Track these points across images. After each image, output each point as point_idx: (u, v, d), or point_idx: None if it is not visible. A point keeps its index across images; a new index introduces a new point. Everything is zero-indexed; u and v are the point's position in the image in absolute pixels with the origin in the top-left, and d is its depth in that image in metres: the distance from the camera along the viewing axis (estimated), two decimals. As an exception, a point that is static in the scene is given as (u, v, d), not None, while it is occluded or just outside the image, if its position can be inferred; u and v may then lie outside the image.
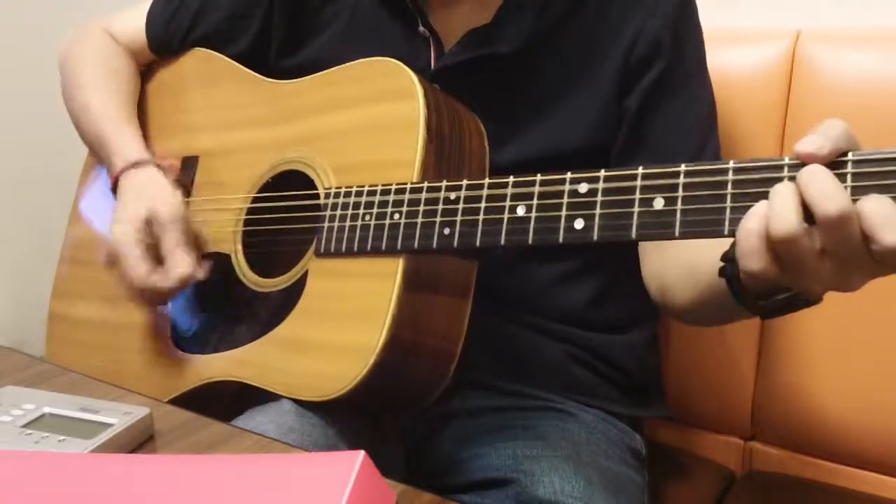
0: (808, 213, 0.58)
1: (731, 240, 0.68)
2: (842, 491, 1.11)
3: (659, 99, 0.94)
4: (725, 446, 1.22)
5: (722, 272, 0.70)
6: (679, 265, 0.87)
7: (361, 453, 0.55)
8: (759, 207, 0.60)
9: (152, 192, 0.98)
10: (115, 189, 1.03)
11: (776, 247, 0.58)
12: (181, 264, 0.92)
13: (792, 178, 0.59)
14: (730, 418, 1.20)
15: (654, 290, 0.94)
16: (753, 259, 0.60)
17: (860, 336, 1.09)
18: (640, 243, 0.96)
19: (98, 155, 1.11)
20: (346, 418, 0.87)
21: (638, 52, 0.93)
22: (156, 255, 0.94)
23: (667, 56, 0.93)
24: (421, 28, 0.96)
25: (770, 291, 0.67)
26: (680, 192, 0.65)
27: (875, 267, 0.58)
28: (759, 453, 1.19)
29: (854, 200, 0.56)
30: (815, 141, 0.58)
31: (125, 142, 1.05)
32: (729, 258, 0.69)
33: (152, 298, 0.95)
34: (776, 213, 0.58)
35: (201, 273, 0.93)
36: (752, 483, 1.17)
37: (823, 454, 1.14)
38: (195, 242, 0.98)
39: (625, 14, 0.93)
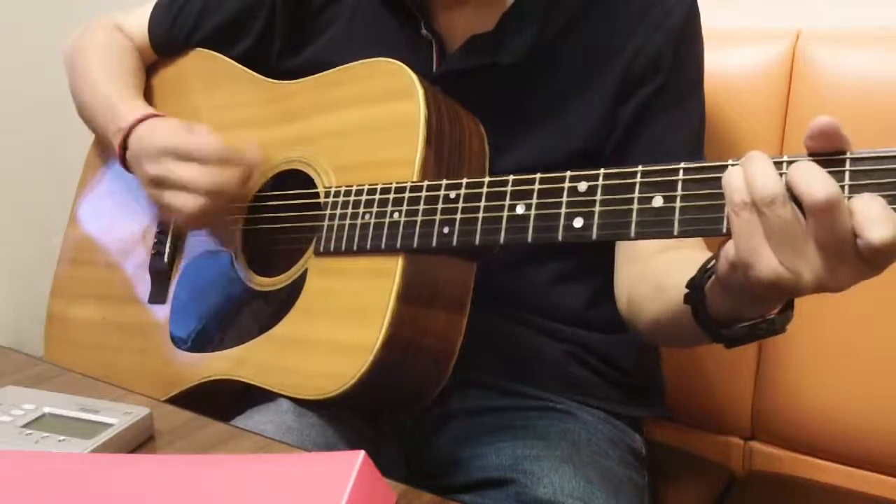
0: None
1: (698, 265, 0.70)
2: (841, 491, 1.11)
3: (651, 113, 0.94)
4: (725, 446, 1.22)
5: (687, 299, 0.70)
6: (648, 283, 0.87)
7: (361, 453, 0.55)
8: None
9: (171, 123, 0.98)
10: (124, 146, 1.00)
11: (762, 209, 0.58)
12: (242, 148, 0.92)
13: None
14: (730, 418, 1.20)
15: (623, 305, 0.94)
16: (744, 229, 0.59)
17: (860, 336, 1.09)
18: (615, 258, 0.96)
19: (106, 131, 1.07)
20: (346, 418, 0.87)
21: (639, 66, 0.93)
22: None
23: (666, 72, 0.93)
24: (423, 31, 0.96)
25: (733, 320, 0.67)
26: (679, 191, 0.65)
27: (862, 265, 0.58)
28: (759, 453, 1.19)
29: (849, 198, 0.57)
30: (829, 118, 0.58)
31: (134, 103, 1.05)
32: (695, 285, 0.70)
33: (218, 203, 0.93)
34: (752, 174, 0.58)
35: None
36: (752, 483, 1.17)
37: (823, 454, 1.14)
38: (195, 244, 0.98)
39: (629, 27, 0.93)
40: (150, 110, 1.02)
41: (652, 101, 0.94)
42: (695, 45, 0.97)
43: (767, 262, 0.59)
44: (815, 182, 0.56)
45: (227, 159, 0.92)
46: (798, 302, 0.66)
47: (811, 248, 0.57)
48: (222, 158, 0.91)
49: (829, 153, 0.59)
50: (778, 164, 0.60)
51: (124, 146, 1.00)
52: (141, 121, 1.00)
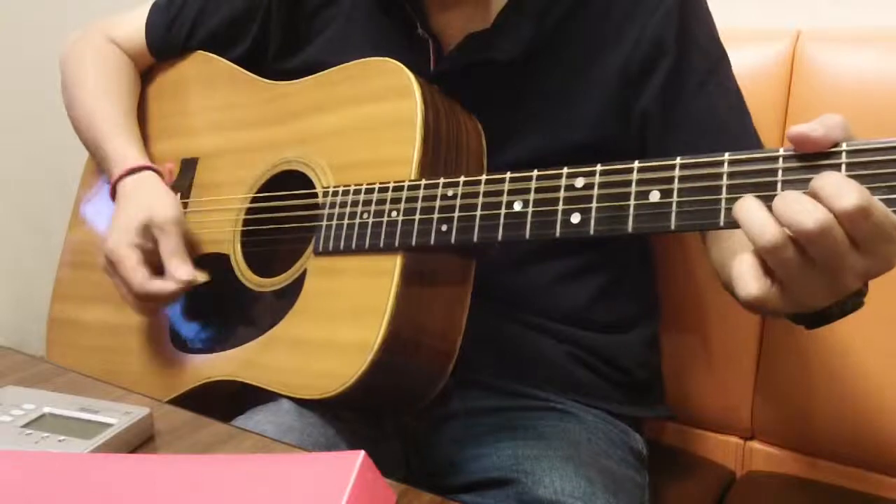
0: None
1: None
2: (842, 491, 1.11)
3: (679, 95, 0.92)
4: (725, 446, 1.21)
5: None
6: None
7: (361, 453, 0.55)
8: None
9: (149, 197, 0.98)
10: (113, 195, 1.03)
11: (767, 258, 0.58)
12: (180, 270, 0.93)
13: (786, 171, 0.60)
14: (730, 418, 1.20)
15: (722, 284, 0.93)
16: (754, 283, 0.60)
17: (860, 336, 1.09)
18: (705, 238, 0.94)
19: (97, 160, 1.11)
20: (346, 418, 0.87)
21: (639, 55, 0.91)
22: (153, 262, 0.95)
23: (672, 55, 0.91)
24: (420, 30, 0.96)
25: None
26: (675, 185, 0.65)
27: (864, 260, 0.58)
28: (759, 453, 1.19)
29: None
30: (809, 124, 0.59)
31: (123, 148, 1.05)
32: None
33: (151, 305, 0.96)
34: (750, 228, 0.58)
35: (202, 277, 0.94)
36: (752, 483, 1.17)
37: (823, 454, 1.14)
38: (194, 246, 0.98)
39: (626, 17, 0.92)
40: (138, 160, 1.04)
41: (672, 84, 0.91)
42: (700, 21, 0.95)
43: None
44: (804, 212, 0.56)
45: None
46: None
47: (811, 271, 0.58)
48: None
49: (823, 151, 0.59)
50: (773, 159, 0.60)
51: (115, 187, 1.03)
52: (127, 174, 1.02)
